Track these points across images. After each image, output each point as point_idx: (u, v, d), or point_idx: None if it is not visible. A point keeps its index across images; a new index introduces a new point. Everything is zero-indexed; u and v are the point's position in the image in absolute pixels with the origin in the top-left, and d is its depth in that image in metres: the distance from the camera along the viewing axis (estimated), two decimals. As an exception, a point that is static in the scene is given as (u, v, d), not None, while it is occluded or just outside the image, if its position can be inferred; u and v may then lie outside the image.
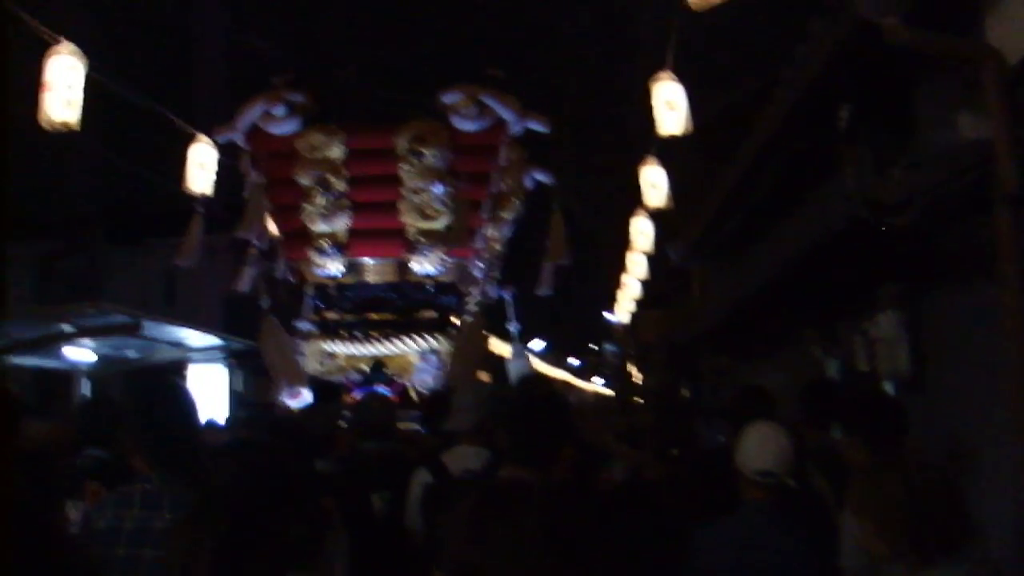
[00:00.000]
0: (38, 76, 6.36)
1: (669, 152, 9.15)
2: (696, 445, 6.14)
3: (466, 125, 10.90)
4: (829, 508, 4.37)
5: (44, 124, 6.33)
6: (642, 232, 12.20)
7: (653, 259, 14.16)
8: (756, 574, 3.85)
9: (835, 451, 4.84)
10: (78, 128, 6.33)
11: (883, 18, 4.65)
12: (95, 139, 18.73)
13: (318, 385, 10.05)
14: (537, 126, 11.16)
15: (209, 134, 9.27)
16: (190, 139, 9.04)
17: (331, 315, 11.80)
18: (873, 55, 5.02)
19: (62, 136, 6.42)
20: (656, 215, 11.29)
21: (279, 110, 10.91)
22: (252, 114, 10.96)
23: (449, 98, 10.89)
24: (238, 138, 11.07)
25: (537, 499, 2.44)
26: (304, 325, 11.83)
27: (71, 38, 6.50)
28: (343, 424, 6.49)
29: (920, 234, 5.20)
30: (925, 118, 5.26)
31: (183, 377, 17.19)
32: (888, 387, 6.60)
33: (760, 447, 4.01)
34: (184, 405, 3.70)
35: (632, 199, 10.81)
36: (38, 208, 25.16)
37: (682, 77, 7.27)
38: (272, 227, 11.70)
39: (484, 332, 12.08)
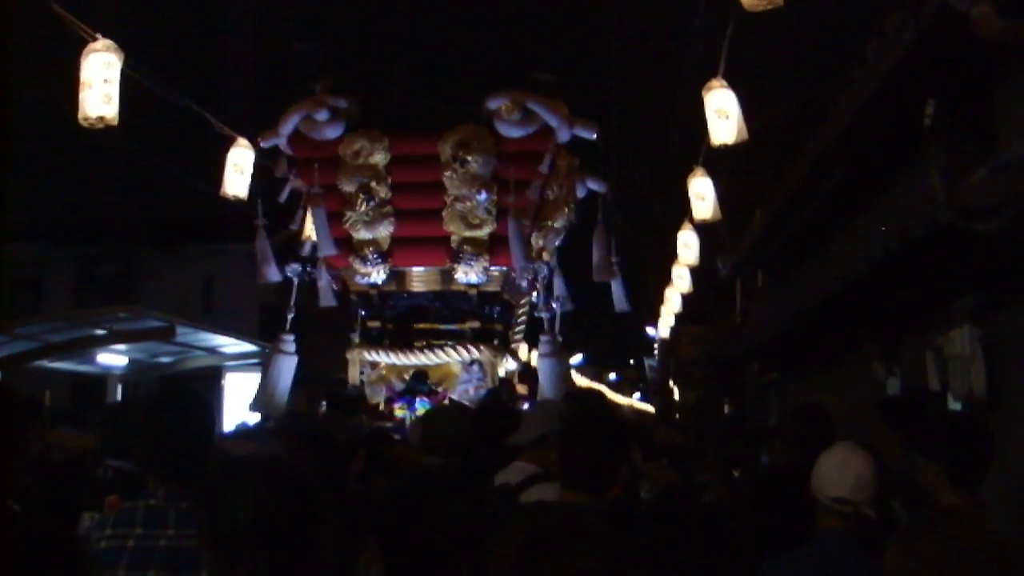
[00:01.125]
0: (76, 75, 6.17)
1: (717, 163, 8.88)
2: (758, 466, 5.83)
3: (511, 131, 10.63)
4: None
5: (82, 121, 6.14)
6: (687, 245, 11.90)
7: (697, 273, 13.87)
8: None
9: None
10: (115, 123, 6.12)
11: (971, 6, 4.30)
12: (135, 143, 18.68)
13: (335, 396, 9.79)
14: (585, 133, 10.88)
15: (247, 137, 9.07)
16: (228, 143, 8.85)
17: (373, 324, 11.62)
18: (958, 48, 4.68)
19: (102, 139, 6.24)
20: (703, 228, 11.01)
21: (321, 115, 10.73)
22: (294, 119, 10.79)
23: (494, 103, 10.64)
24: (282, 143, 10.92)
25: (595, 530, 2.18)
26: (353, 335, 11.66)
27: (108, 36, 6.31)
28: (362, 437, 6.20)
29: (1008, 243, 4.84)
30: (1012, 117, 4.92)
31: (219, 383, 17.13)
32: (956, 407, 6.28)
33: (838, 472, 3.74)
34: (196, 416, 3.44)
35: (678, 210, 10.53)
36: (77, 212, 25.19)
37: (735, 85, 6.98)
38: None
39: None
